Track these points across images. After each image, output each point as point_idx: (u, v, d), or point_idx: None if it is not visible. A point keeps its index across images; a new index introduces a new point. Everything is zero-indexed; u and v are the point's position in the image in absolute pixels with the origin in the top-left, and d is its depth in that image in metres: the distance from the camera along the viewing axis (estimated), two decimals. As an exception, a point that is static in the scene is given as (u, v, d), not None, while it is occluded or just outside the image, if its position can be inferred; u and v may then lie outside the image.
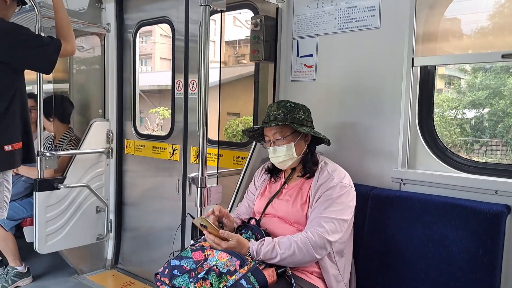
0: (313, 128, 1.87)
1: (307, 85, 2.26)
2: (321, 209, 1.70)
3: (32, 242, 2.97)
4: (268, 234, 1.77)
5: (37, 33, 2.66)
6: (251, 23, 2.30)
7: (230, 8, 2.53)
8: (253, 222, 1.87)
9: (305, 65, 2.27)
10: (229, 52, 16.06)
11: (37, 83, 2.86)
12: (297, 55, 2.30)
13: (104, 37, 3.41)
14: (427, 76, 1.95)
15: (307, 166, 1.84)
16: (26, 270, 3.13)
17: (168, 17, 3.06)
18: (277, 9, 2.32)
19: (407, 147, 1.98)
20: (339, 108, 2.17)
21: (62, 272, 3.31)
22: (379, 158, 2.04)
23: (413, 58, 1.92)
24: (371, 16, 2.02)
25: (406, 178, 1.96)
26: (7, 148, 2.13)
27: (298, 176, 1.88)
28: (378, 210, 1.93)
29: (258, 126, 1.89)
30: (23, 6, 2.43)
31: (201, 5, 1.89)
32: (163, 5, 3.07)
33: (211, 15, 2.43)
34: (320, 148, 1.92)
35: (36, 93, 2.97)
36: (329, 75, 2.20)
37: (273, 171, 1.96)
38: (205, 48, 1.94)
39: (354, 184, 1.82)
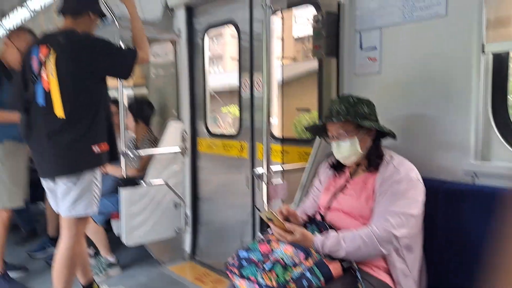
0: (378, 122, 1.86)
1: (371, 78, 2.24)
2: (387, 203, 1.69)
3: (119, 235, 3.27)
4: (333, 228, 1.79)
5: (116, 43, 2.93)
6: (313, 20, 2.33)
7: (292, 5, 2.59)
8: (318, 217, 1.91)
9: (369, 58, 2.24)
10: (298, 47, 16.02)
11: (119, 89, 3.13)
12: (361, 48, 2.28)
13: (176, 42, 3.63)
14: (499, 63, 1.83)
15: (372, 160, 1.83)
16: (115, 260, 3.44)
17: (233, 19, 3.17)
18: (338, 3, 2.32)
19: (480, 138, 1.88)
20: (405, 100, 2.12)
21: (146, 262, 3.58)
22: (449, 151, 1.96)
23: (483, 45, 1.82)
24: (437, 4, 1.94)
25: (480, 171, 1.87)
26: (95, 149, 2.37)
27: (363, 170, 1.87)
28: (450, 205, 1.86)
29: (321, 122, 1.92)
30: (104, 20, 2.69)
31: (262, 6, 1.95)
32: (229, 8, 3.20)
33: (272, 14, 2.50)
34: (386, 142, 1.90)
35: (118, 98, 3.25)
36: (394, 67, 2.16)
37: (338, 166, 1.97)
38: (267, 48, 2.01)
39: (424, 178, 1.77)
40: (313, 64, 2.58)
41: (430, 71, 2.00)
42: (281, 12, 2.19)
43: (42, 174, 2.46)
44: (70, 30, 2.37)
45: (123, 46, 2.87)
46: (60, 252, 2.43)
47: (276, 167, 2.20)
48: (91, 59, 2.32)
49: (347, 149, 1.81)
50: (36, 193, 3.93)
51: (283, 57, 3.39)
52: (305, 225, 1.85)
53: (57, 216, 3.65)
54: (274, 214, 1.70)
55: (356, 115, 1.78)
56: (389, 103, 2.14)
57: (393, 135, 1.84)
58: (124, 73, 2.48)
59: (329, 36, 2.32)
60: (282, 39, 3.01)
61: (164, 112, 4.02)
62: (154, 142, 3.62)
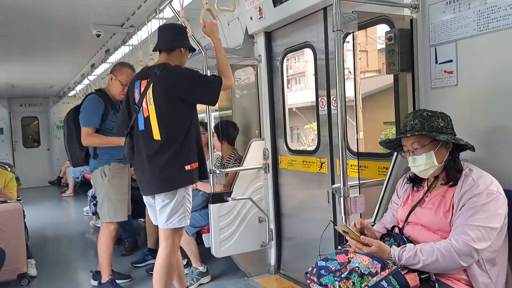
0: (455, 135, 1.86)
1: (448, 91, 2.23)
2: (466, 216, 1.69)
3: (209, 247, 3.52)
4: (411, 241, 1.82)
5: (204, 71, 3.24)
6: (385, 38, 2.39)
7: (364, 26, 2.67)
8: (396, 230, 1.94)
9: (445, 71, 2.24)
10: (383, 59, 15.64)
11: (207, 113, 3.43)
12: (436, 62, 2.28)
13: (257, 67, 3.87)
14: None
15: (450, 173, 1.83)
16: (206, 270, 3.70)
17: (309, 42, 3.32)
18: (411, 20, 2.36)
19: None
20: (485, 111, 2.08)
21: (234, 274, 3.80)
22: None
23: None
24: (514, 13, 1.91)
25: None
26: (187, 167, 2.66)
27: (441, 184, 1.88)
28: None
29: (394, 137, 1.97)
30: (193, 52, 3.02)
31: (333, 31, 2.07)
32: (305, 32, 3.34)
33: (346, 37, 2.60)
34: (465, 155, 1.89)
35: (206, 121, 3.56)
36: (472, 79, 2.13)
37: (415, 180, 1.99)
38: (339, 68, 2.11)
39: (507, 190, 1.74)
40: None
41: (510, 81, 1.95)
42: (353, 35, 2.28)
43: (144, 192, 2.79)
44: (164, 64, 2.71)
45: (209, 74, 3.18)
46: (159, 260, 2.72)
47: (354, 182, 2.27)
48: (182, 89, 2.63)
49: (423, 163, 1.84)
50: (137, 210, 4.41)
51: (355, 74, 3.44)
52: (382, 238, 1.91)
53: (155, 230, 4.05)
54: (348, 227, 1.78)
55: (430, 128, 1.81)
56: (467, 115, 2.12)
57: (471, 148, 1.83)
58: (211, 100, 2.76)
59: (403, 52, 2.35)
60: (354, 61, 3.05)
61: (247, 132, 4.27)
62: (239, 160, 3.86)
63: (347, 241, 1.87)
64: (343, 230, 1.80)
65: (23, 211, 4.00)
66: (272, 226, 3.74)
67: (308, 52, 3.47)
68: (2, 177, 4.27)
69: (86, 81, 7.44)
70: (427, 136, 1.82)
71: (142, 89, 2.69)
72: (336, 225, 1.86)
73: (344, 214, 2.07)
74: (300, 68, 22.56)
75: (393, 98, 2.57)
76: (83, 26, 4.32)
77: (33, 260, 4.11)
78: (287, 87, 3.90)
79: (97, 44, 5.19)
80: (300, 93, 20.77)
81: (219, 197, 3.44)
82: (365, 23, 2.54)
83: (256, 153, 3.76)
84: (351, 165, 2.75)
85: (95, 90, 3.81)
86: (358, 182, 2.28)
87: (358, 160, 2.62)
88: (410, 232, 1.88)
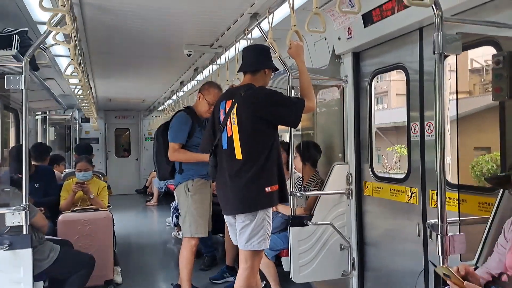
0: None
1: None
2: None
3: (288, 271, 3.44)
4: (523, 292, 1.60)
5: (288, 91, 3.22)
6: (492, 61, 2.17)
7: (467, 47, 2.45)
8: (504, 278, 1.72)
9: None
10: (474, 80, 14.61)
11: (289, 133, 3.39)
12: (554, 88, 2.03)
13: (342, 87, 3.76)
14: None
15: None
16: (283, 295, 3.62)
17: (402, 63, 3.15)
18: (523, 41, 2.13)
19: None
20: None
21: (312, 301, 3.68)
22: None
23: None
24: None
25: None
26: (268, 189, 2.63)
27: (561, 228, 1.64)
28: None
29: (504, 174, 1.76)
30: (276, 72, 3.02)
31: (434, 53, 1.93)
32: (397, 53, 3.18)
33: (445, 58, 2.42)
34: None
35: (286, 140, 3.52)
36: None
37: (527, 222, 1.76)
38: (439, 93, 1.95)
39: None
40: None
41: None
42: (456, 57, 2.11)
43: (225, 211, 2.81)
44: (249, 85, 2.74)
45: (293, 94, 3.15)
46: (238, 282, 2.70)
47: (452, 218, 2.07)
48: (265, 109, 2.64)
49: (538, 204, 1.61)
50: (217, 226, 4.47)
51: (457, 95, 3.19)
52: (488, 286, 1.69)
53: (234, 248, 4.07)
54: (451, 270, 1.60)
55: (549, 166, 1.59)
56: None
57: None
58: (293, 122, 2.73)
59: (513, 77, 2.12)
60: (456, 83, 2.82)
61: (329, 155, 4.15)
62: (321, 184, 3.75)
63: (445, 284, 1.69)
64: (444, 273, 1.62)
65: (113, 219, 4.25)
66: (355, 255, 3.56)
67: (392, 71, 3.29)
68: (95, 185, 4.58)
69: (174, 97, 7.83)
70: (545, 173, 1.60)
71: (227, 109, 2.74)
72: (435, 266, 1.69)
73: (442, 254, 1.88)
74: (383, 87, 21.84)
75: (492, 121, 2.33)
76: (175, 46, 4.54)
77: (119, 268, 4.33)
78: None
79: (187, 63, 5.43)
80: (382, 113, 20.06)
81: (299, 221, 3.36)
82: (468, 45, 2.34)
83: (338, 177, 3.63)
84: (447, 198, 2.52)
85: (183, 107, 3.97)
86: (458, 218, 2.07)
87: (458, 193, 2.39)
88: (522, 282, 1.65)
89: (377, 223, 3.47)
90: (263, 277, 3.73)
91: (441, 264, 1.85)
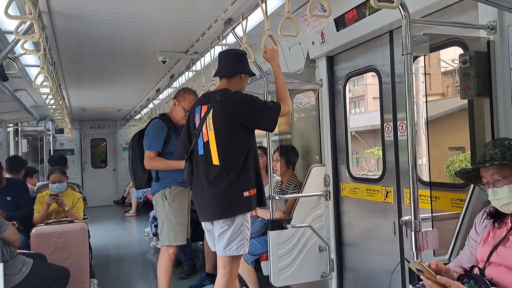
0: (542, 166, 1.67)
1: (533, 117, 2.03)
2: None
3: (268, 275, 3.43)
4: (494, 284, 1.63)
5: (265, 95, 3.23)
6: (459, 61, 2.24)
7: (435, 48, 2.52)
8: (476, 271, 1.76)
9: (528, 96, 2.05)
10: (447, 82, 14.99)
11: (267, 137, 3.39)
12: (518, 86, 2.09)
13: (318, 91, 3.80)
14: None
15: (539, 209, 1.64)
16: (264, 300, 3.61)
17: (374, 66, 3.21)
18: (488, 42, 2.19)
19: None
20: None
21: (292, 305, 3.67)
22: None
23: None
24: None
25: None
26: (246, 194, 2.62)
27: (528, 220, 1.69)
28: None
29: (472, 167, 1.81)
30: (253, 77, 3.02)
31: (403, 54, 1.97)
32: (369, 56, 3.25)
33: (414, 60, 2.47)
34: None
35: (265, 145, 3.52)
36: (561, 104, 1.93)
37: (497, 216, 1.81)
38: (409, 93, 1.99)
39: None
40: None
41: None
42: (424, 58, 2.16)
43: (202, 217, 2.78)
44: (224, 89, 2.73)
45: (269, 99, 3.16)
46: (217, 287, 2.67)
47: (425, 214, 2.10)
48: (241, 114, 2.63)
49: (505, 196, 1.67)
50: (196, 233, 4.43)
51: (426, 97, 3.26)
52: (460, 279, 1.72)
53: (213, 255, 4.02)
54: (423, 265, 1.63)
55: (513, 159, 1.64)
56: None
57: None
58: (270, 126, 2.73)
59: (480, 76, 2.19)
60: (425, 82, 2.88)
61: (307, 157, 4.18)
62: (299, 187, 3.77)
63: (420, 280, 1.71)
64: (417, 268, 1.65)
65: (88, 231, 4.16)
66: (333, 256, 3.58)
67: (368, 75, 3.35)
68: (70, 197, 4.48)
69: (151, 105, 7.76)
70: (509, 166, 1.66)
71: (203, 114, 2.72)
72: (409, 262, 1.71)
73: (416, 250, 1.91)
74: (360, 92, 22.20)
75: (467, 121, 2.39)
76: (150, 53, 4.50)
77: (95, 280, 4.23)
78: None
79: (163, 70, 5.39)
80: (359, 116, 20.37)
81: (278, 224, 3.35)
82: (436, 46, 2.40)
83: (316, 180, 3.66)
84: (421, 196, 2.57)
85: (159, 114, 3.93)
86: (431, 215, 2.11)
87: (430, 191, 2.43)
88: (493, 274, 1.69)
89: (355, 223, 3.51)
90: (243, 282, 3.71)
91: (414, 260, 1.88)
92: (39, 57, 3.02)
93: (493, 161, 1.68)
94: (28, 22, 2.36)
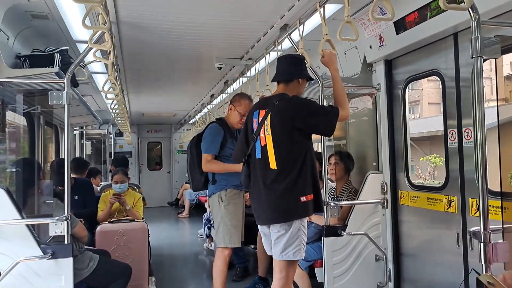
0: None
1: None
2: None
3: (322, 282, 3.39)
4: None
5: (320, 100, 3.21)
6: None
7: (506, 51, 2.40)
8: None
9: None
10: (510, 87, 14.13)
11: (321, 142, 3.37)
12: None
13: (375, 96, 3.72)
14: None
15: None
16: (317, 306, 3.57)
17: (437, 69, 3.10)
18: None
19: None
20: None
21: (347, 313, 3.59)
22: None
23: None
24: None
25: None
26: (303, 199, 2.61)
27: None
28: None
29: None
30: (310, 82, 3.02)
31: (472, 57, 1.89)
32: (431, 59, 3.14)
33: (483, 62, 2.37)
34: None
35: (320, 150, 3.50)
36: None
37: None
38: (479, 98, 1.92)
39: None
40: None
41: None
42: (496, 61, 2.06)
43: (259, 221, 2.81)
44: (282, 94, 2.74)
45: (325, 103, 3.14)
46: (273, 292, 2.68)
47: (494, 226, 2.00)
48: (299, 119, 2.63)
49: None
50: (249, 237, 4.47)
51: (497, 100, 3.10)
52: (536, 296, 1.62)
53: (266, 259, 4.06)
54: (495, 278, 1.55)
55: None
56: None
57: None
58: (327, 131, 2.71)
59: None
60: (497, 86, 2.75)
61: (362, 164, 4.10)
62: (354, 193, 3.70)
63: (490, 295, 1.63)
64: (488, 281, 1.57)
65: (148, 230, 4.32)
66: (391, 266, 3.48)
67: (423, 80, 3.23)
68: (131, 197, 4.68)
69: (205, 110, 7.96)
70: None
71: (261, 118, 2.75)
72: (479, 274, 1.64)
73: (485, 262, 1.82)
74: (415, 97, 21.47)
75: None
76: (206, 60, 4.64)
77: (153, 278, 4.39)
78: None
79: (218, 76, 5.52)
80: (414, 122, 19.67)
81: (333, 231, 3.31)
82: (507, 48, 2.28)
83: (373, 187, 3.58)
84: (489, 206, 2.44)
85: (215, 119, 4.03)
86: (501, 226, 2.00)
87: (501, 200, 2.31)
88: None
89: (414, 233, 3.39)
90: (297, 288, 3.70)
91: (484, 273, 1.79)
92: (107, 64, 3.19)
93: None
94: (100, 31, 2.51)
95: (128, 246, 3.96)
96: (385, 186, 3.55)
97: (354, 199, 3.63)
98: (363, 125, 4.37)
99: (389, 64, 3.59)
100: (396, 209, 3.52)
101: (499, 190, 2.56)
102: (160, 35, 3.78)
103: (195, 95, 7.22)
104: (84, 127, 7.97)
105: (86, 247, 3.35)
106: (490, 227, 1.85)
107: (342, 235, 3.32)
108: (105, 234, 3.94)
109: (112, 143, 10.44)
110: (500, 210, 2.25)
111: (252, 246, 5.53)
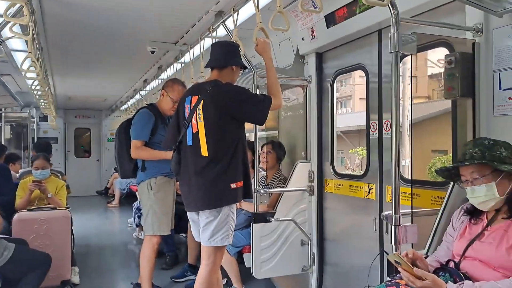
0: (519, 166, 1.73)
1: (513, 119, 2.09)
2: (533, 254, 1.55)
3: (250, 268, 3.46)
4: (468, 278, 1.69)
5: (254, 89, 3.24)
6: (445, 61, 2.29)
7: (422, 48, 2.58)
8: (451, 265, 1.82)
9: (509, 98, 2.11)
10: (433, 86, 15.20)
11: (254, 132, 3.42)
12: (499, 88, 2.16)
13: (306, 87, 3.84)
14: None
15: (514, 207, 1.70)
16: (245, 291, 3.65)
17: (362, 64, 3.26)
18: (473, 44, 2.25)
19: None
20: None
21: (273, 297, 3.72)
22: None
23: None
24: None
25: None
26: (233, 186, 2.64)
27: (503, 218, 1.75)
28: None
29: (452, 165, 1.86)
30: (244, 70, 3.04)
31: (390, 52, 2.01)
32: (358, 54, 3.29)
33: (402, 59, 2.53)
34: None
35: (252, 140, 3.55)
36: (540, 107, 2.00)
37: (474, 212, 1.86)
38: (395, 91, 2.04)
39: None
40: (449, 102, 2.50)
41: None
42: (411, 56, 2.21)
43: (188, 207, 2.80)
44: (216, 81, 2.73)
45: (258, 93, 3.18)
46: (200, 278, 2.70)
47: (406, 210, 2.16)
48: (231, 106, 2.64)
49: (482, 194, 1.72)
50: (179, 225, 4.43)
51: (412, 98, 3.33)
52: (436, 273, 1.78)
53: (197, 246, 4.05)
54: (401, 257, 1.68)
55: (492, 158, 1.70)
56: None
57: (540, 180, 1.69)
58: (259, 119, 2.75)
59: (464, 77, 2.24)
60: (411, 82, 2.95)
61: (292, 153, 4.22)
62: (283, 181, 3.81)
63: (397, 272, 1.76)
64: (395, 260, 1.70)
65: (71, 218, 4.13)
66: (315, 250, 3.63)
67: (355, 75, 3.40)
68: (54, 184, 4.44)
69: (137, 96, 7.72)
70: (488, 165, 1.71)
71: (193, 104, 2.72)
72: (388, 254, 1.77)
73: (395, 243, 1.96)
74: (347, 92, 22.36)
75: (450, 125, 2.46)
76: (139, 43, 4.48)
77: (76, 268, 4.22)
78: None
79: (151, 60, 5.37)
80: (345, 116, 20.53)
81: (262, 217, 3.38)
82: (424, 46, 2.45)
83: (301, 175, 3.70)
84: (402, 193, 2.62)
85: (146, 104, 3.92)
86: (410, 210, 2.16)
87: (412, 187, 2.50)
88: (468, 268, 1.75)
89: (337, 219, 3.57)
90: (225, 274, 3.74)
91: (393, 253, 1.93)
92: (27, 41, 2.98)
93: (473, 160, 1.73)
94: (18, 5, 2.33)
95: (49, 235, 3.76)
96: (312, 174, 3.69)
97: (283, 187, 3.73)
98: (294, 117, 4.49)
99: (320, 57, 3.71)
100: (322, 196, 3.68)
101: (417, 179, 2.78)
102: (88, 14, 3.59)
103: (127, 79, 6.97)
104: (3, 109, 7.39)
105: (0, 236, 3.13)
106: (401, 211, 2.00)
107: (271, 221, 3.41)
108: (23, 222, 3.71)
109: (35, 127, 9.78)
110: (410, 196, 2.42)
111: (183, 235, 5.49)
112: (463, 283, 1.59)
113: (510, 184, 1.72)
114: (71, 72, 6.37)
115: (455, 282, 1.65)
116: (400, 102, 2.12)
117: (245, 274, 3.67)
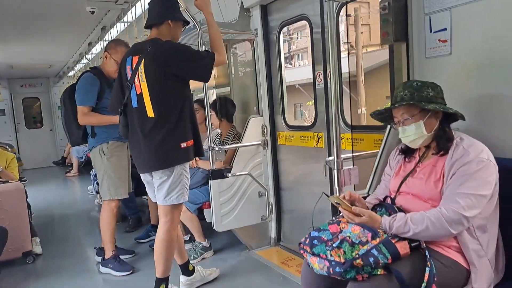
0: (444, 104, 1.86)
1: (442, 60, 2.20)
2: (456, 185, 1.70)
3: (211, 222, 3.58)
4: (402, 211, 1.84)
5: (200, 46, 3.19)
6: (379, 7, 2.35)
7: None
8: (388, 200, 1.96)
9: (439, 40, 2.22)
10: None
11: (204, 90, 3.40)
12: (430, 31, 2.25)
13: (254, 42, 3.82)
14: None
15: (441, 143, 1.83)
16: (208, 245, 3.76)
17: (305, 14, 3.27)
18: (405, -12, 2.31)
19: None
20: (478, 80, 2.06)
21: (235, 247, 3.87)
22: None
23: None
24: (509, -22, 1.87)
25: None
26: (183, 145, 2.64)
27: (432, 154, 1.89)
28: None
29: (384, 108, 1.97)
30: (187, 26, 2.97)
31: (325, 1, 2.04)
32: (300, 4, 3.30)
33: (340, 8, 2.56)
34: (458, 124, 1.89)
35: (203, 98, 3.54)
36: (466, 47, 2.11)
37: (407, 151, 2.00)
38: (332, 40, 2.10)
39: (499, 158, 1.75)
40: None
41: (505, 50, 1.93)
42: (346, 5, 2.25)
43: (140, 169, 2.80)
44: (155, 39, 2.65)
45: (204, 49, 3.14)
46: (159, 236, 2.76)
47: (348, 154, 2.28)
48: (173, 64, 2.58)
49: (412, 132, 1.84)
50: (140, 188, 4.44)
51: (348, 48, 3.39)
52: (374, 209, 1.93)
53: (157, 207, 4.10)
54: (340, 198, 1.80)
55: (420, 98, 1.81)
56: (462, 84, 2.11)
57: (461, 117, 1.83)
58: (203, 76, 2.71)
59: (397, 22, 2.32)
60: (347, 31, 3.00)
61: (246, 109, 4.26)
62: (238, 137, 3.87)
63: (340, 212, 1.89)
64: (335, 202, 1.82)
65: (25, 190, 4.05)
66: (272, 200, 3.78)
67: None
68: (3, 158, 4.31)
69: (84, 60, 7.41)
70: (417, 106, 1.82)
71: (134, 65, 2.65)
72: (329, 197, 1.88)
73: (338, 186, 2.09)
74: (303, 44, 22.29)
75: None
76: (76, 3, 4.26)
77: (37, 238, 4.19)
78: (290, 63, 3.87)
79: (93, 21, 5.13)
80: (303, 69, 20.55)
81: (219, 174, 3.45)
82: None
83: (254, 130, 3.77)
84: (346, 138, 2.75)
85: (90, 68, 3.79)
86: (352, 154, 2.28)
87: (352, 133, 2.62)
88: (402, 202, 1.90)
89: (291, 169, 3.70)
90: (187, 230, 3.84)
91: (334, 195, 2.06)
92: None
93: (403, 101, 1.84)
94: None
95: (4, 208, 3.69)
96: (265, 128, 3.76)
97: (238, 143, 3.79)
98: (245, 72, 4.48)
99: (265, 9, 3.68)
100: (275, 148, 3.78)
101: (358, 124, 2.89)
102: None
103: (71, 43, 6.65)
104: None
105: (-50, 214, 3.05)
106: (342, 155, 2.11)
107: (228, 177, 3.48)
108: (-27, 198, 3.62)
109: (-22, 100, 9.27)
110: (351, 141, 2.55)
111: (145, 197, 5.52)
112: (396, 216, 1.74)
113: (437, 122, 1.84)
114: (10, 39, 6.00)
115: (390, 216, 1.79)
116: (353, 51, 2.18)
117: (207, 229, 3.78)
